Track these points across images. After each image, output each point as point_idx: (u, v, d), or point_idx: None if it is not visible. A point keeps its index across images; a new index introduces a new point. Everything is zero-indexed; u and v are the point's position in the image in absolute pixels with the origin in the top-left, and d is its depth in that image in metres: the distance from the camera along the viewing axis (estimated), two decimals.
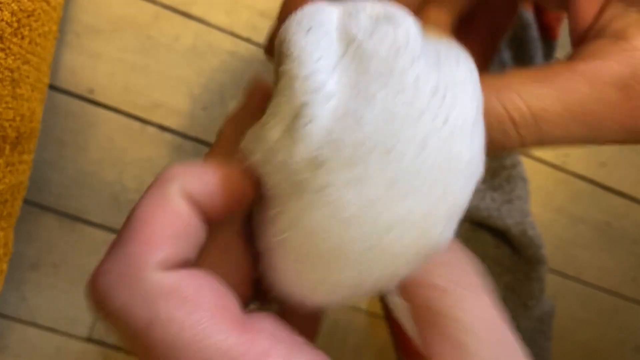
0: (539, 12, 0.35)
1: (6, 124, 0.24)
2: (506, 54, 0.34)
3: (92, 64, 0.32)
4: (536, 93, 0.13)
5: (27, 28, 0.24)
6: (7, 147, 0.24)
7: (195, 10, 0.33)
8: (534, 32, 0.34)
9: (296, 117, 0.11)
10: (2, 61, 0.22)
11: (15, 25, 0.23)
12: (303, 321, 0.15)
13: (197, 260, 0.14)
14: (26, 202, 0.31)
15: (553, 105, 0.13)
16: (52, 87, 0.32)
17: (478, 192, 0.28)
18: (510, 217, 0.32)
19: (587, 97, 0.13)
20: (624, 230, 0.39)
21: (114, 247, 0.13)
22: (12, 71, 0.23)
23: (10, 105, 0.24)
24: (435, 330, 0.13)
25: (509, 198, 0.33)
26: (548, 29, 0.35)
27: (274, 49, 0.13)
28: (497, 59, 0.34)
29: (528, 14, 0.34)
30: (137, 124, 0.33)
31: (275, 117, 0.12)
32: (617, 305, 0.39)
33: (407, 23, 0.12)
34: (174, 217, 0.13)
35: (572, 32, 0.14)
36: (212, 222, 0.14)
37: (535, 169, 0.37)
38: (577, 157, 0.37)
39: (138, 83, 0.32)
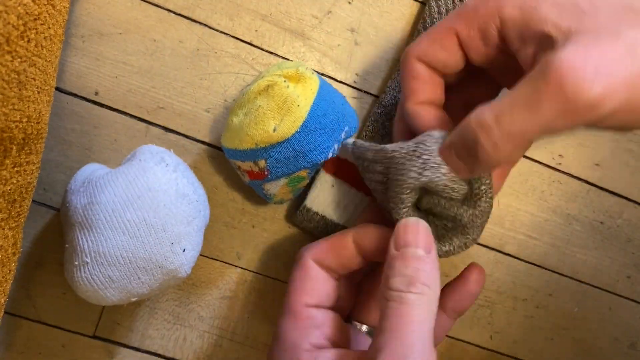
0: None
1: (13, 126, 0.24)
2: None
3: (97, 67, 0.32)
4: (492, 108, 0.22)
5: (34, 31, 0.25)
6: (14, 148, 0.25)
7: (198, 15, 0.33)
8: None
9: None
10: (9, 64, 0.23)
11: (22, 28, 0.23)
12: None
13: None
14: (32, 201, 0.31)
15: (503, 109, 0.21)
16: (58, 89, 0.32)
17: None
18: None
19: (525, 93, 0.20)
20: (618, 229, 0.39)
21: (283, 302, 0.27)
22: (18, 74, 0.24)
23: (16, 107, 0.24)
24: None
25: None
26: None
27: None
28: None
29: None
30: (141, 126, 0.33)
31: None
32: (612, 303, 0.39)
33: None
34: (308, 275, 0.27)
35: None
36: (338, 275, 0.27)
37: (530, 169, 0.37)
38: (571, 158, 0.38)
39: (142, 85, 0.33)
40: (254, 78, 0.33)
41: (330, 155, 0.29)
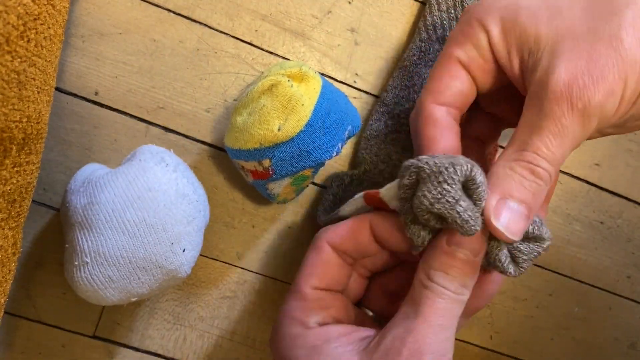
0: None
1: (12, 126, 0.24)
2: None
3: (97, 67, 0.32)
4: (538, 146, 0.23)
5: (33, 31, 0.25)
6: (14, 148, 0.25)
7: (198, 15, 0.33)
8: None
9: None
10: (9, 64, 0.23)
11: (22, 28, 0.23)
12: None
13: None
14: (32, 201, 0.31)
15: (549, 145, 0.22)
16: (58, 89, 0.32)
17: None
18: None
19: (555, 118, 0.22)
20: (618, 229, 0.39)
21: (292, 283, 0.27)
22: (18, 73, 0.24)
23: (16, 107, 0.24)
24: None
25: None
26: None
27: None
28: None
29: None
30: (141, 126, 0.33)
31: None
32: (612, 303, 0.39)
33: None
34: (321, 259, 0.27)
35: None
36: (352, 259, 0.27)
37: None
38: (571, 158, 0.38)
39: (142, 85, 0.33)
40: (256, 78, 0.33)
41: (334, 154, 0.29)
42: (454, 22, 0.34)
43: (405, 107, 0.34)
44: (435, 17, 0.34)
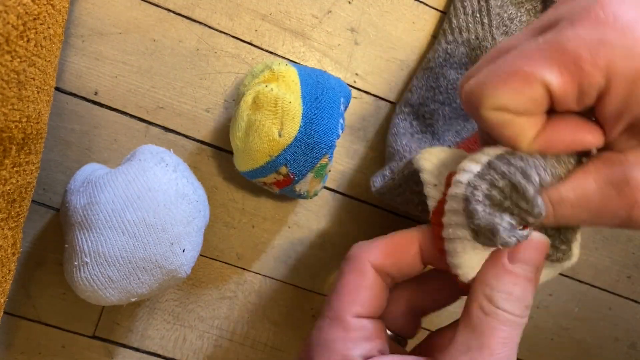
0: None
1: (12, 125, 0.24)
2: None
3: (97, 67, 0.32)
4: (556, 187, 0.19)
5: (33, 31, 0.25)
6: (14, 148, 0.25)
7: (198, 14, 0.33)
8: None
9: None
10: (8, 64, 0.23)
11: (21, 28, 0.23)
12: None
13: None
14: (32, 201, 0.31)
15: (568, 195, 0.19)
16: (58, 89, 0.32)
17: None
18: None
19: (592, 191, 0.18)
20: (619, 230, 0.39)
21: (326, 305, 0.23)
22: (18, 73, 0.24)
23: (16, 107, 0.24)
24: None
25: None
26: None
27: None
28: None
29: None
30: (141, 126, 0.33)
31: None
32: (613, 303, 0.39)
33: None
34: (365, 284, 0.23)
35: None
36: (394, 279, 0.24)
37: None
38: None
39: (142, 85, 0.33)
40: (236, 97, 0.32)
41: (340, 131, 0.29)
42: (479, 26, 0.35)
43: (431, 107, 0.34)
44: (460, 20, 0.35)
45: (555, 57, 0.17)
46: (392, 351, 0.24)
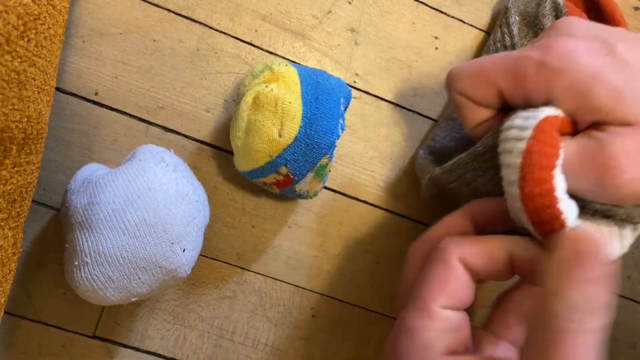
0: None
1: (12, 125, 0.24)
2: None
3: (97, 67, 0.32)
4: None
5: (34, 31, 0.25)
6: (14, 148, 0.25)
7: (198, 15, 0.33)
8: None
9: None
10: (9, 64, 0.23)
11: (22, 28, 0.23)
12: None
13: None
14: (32, 201, 0.31)
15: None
16: (58, 89, 0.32)
17: None
18: None
19: (572, 153, 0.22)
20: None
21: (414, 293, 0.24)
22: (18, 73, 0.24)
23: (16, 107, 0.24)
24: None
25: None
26: None
27: None
28: None
29: None
30: (141, 126, 0.33)
31: None
32: (612, 303, 0.39)
33: None
34: (452, 276, 0.23)
35: None
36: (481, 280, 0.24)
37: None
38: None
39: (142, 85, 0.33)
40: (236, 97, 0.32)
41: (340, 132, 0.29)
42: (535, 33, 0.33)
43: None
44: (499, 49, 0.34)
45: (511, 71, 0.24)
46: (475, 341, 0.24)
